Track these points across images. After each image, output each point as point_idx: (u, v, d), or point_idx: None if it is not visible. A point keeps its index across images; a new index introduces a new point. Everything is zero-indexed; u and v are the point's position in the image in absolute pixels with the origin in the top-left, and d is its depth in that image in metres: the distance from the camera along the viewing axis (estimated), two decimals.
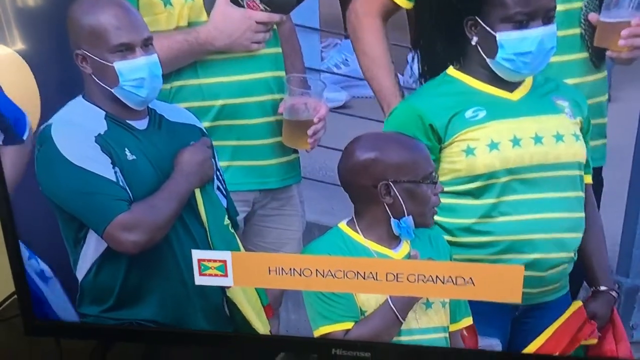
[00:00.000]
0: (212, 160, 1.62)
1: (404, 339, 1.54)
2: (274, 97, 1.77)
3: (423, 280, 1.44)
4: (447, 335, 1.57)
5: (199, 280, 1.49)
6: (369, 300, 1.52)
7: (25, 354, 1.79)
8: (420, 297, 1.57)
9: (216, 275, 1.46)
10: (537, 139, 1.58)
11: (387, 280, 1.45)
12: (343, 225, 1.55)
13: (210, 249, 1.59)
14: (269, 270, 1.40)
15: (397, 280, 1.46)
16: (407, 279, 1.45)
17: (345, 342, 1.49)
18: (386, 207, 1.50)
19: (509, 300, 1.47)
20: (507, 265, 1.46)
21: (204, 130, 1.65)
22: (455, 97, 1.61)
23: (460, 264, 1.49)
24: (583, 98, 1.64)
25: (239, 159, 1.78)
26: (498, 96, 1.61)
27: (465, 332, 1.63)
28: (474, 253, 1.58)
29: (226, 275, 1.45)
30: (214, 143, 1.71)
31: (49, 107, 1.63)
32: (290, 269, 1.41)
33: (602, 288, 1.69)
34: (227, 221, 1.65)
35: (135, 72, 1.52)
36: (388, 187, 1.51)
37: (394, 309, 1.50)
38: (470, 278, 1.43)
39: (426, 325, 1.54)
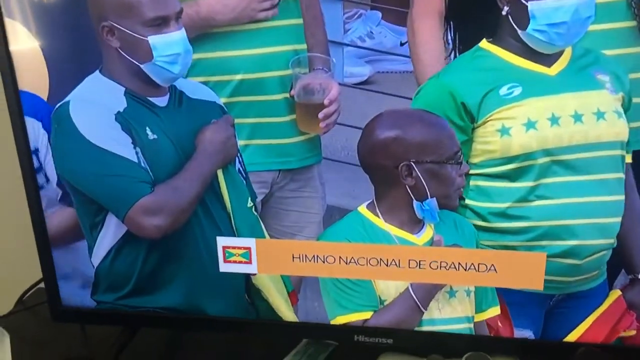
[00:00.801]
0: (235, 139, 1.60)
1: (426, 329, 1.54)
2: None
3: (445, 268, 1.44)
4: (471, 325, 1.55)
5: (224, 267, 1.50)
6: (389, 289, 1.50)
7: (52, 341, 1.81)
8: (442, 285, 1.54)
9: (240, 262, 1.47)
10: (577, 117, 1.54)
11: (409, 267, 1.45)
12: (363, 209, 1.53)
13: (233, 233, 1.58)
14: (293, 257, 1.42)
15: (419, 267, 1.45)
16: (430, 266, 1.45)
17: (366, 328, 1.49)
18: (408, 189, 1.48)
19: (531, 287, 1.47)
20: (530, 253, 1.45)
21: (224, 108, 1.62)
22: (488, 73, 1.57)
23: (481, 251, 1.48)
24: (624, 71, 1.59)
25: (257, 137, 1.74)
26: (534, 71, 1.57)
27: (499, 323, 1.61)
28: (508, 239, 1.56)
29: (250, 262, 1.46)
30: None
31: (60, 84, 1.60)
32: (314, 256, 1.42)
33: None
34: (250, 203, 1.64)
35: (171, 47, 1.49)
36: (410, 167, 1.48)
37: (414, 297, 1.49)
38: (493, 265, 1.42)
39: (449, 315, 1.53)
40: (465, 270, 1.44)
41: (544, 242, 1.54)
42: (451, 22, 1.63)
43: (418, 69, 1.65)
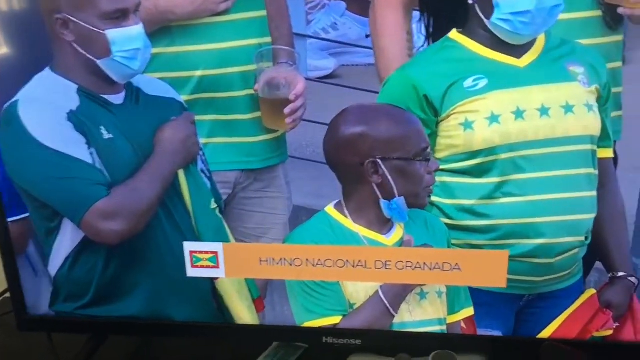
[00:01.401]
0: (196, 137, 1.57)
1: (371, 329, 1.50)
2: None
3: (411, 268, 1.44)
4: (444, 327, 1.53)
5: (191, 272, 1.49)
6: (358, 292, 1.48)
7: (19, 351, 1.80)
8: (412, 287, 1.52)
9: (208, 266, 1.47)
10: (543, 111, 1.51)
11: (376, 268, 1.45)
12: (330, 209, 1.51)
13: (196, 236, 1.56)
14: (260, 261, 1.43)
15: (385, 268, 1.45)
16: (396, 266, 1.44)
17: (335, 330, 1.49)
18: (375, 187, 1.45)
19: (494, 285, 1.47)
20: (492, 251, 1.45)
21: (185, 105, 1.60)
22: (454, 65, 1.54)
23: (445, 250, 1.48)
24: (602, 62, 1.57)
25: (218, 135, 1.72)
26: (503, 62, 1.54)
27: (463, 324, 1.59)
28: (474, 238, 1.55)
29: (218, 267, 1.47)
30: None
31: (6, 82, 1.55)
32: (281, 259, 1.43)
33: (621, 274, 1.64)
34: (213, 205, 1.62)
35: (130, 42, 1.46)
36: (376, 164, 1.45)
37: (384, 300, 1.47)
38: (457, 264, 1.42)
39: (421, 318, 1.51)
40: (431, 269, 1.44)
41: (510, 241, 1.52)
42: (425, 13, 1.62)
43: (380, 61, 1.63)
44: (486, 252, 1.47)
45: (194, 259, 1.48)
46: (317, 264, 1.43)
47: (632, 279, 1.64)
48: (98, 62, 1.47)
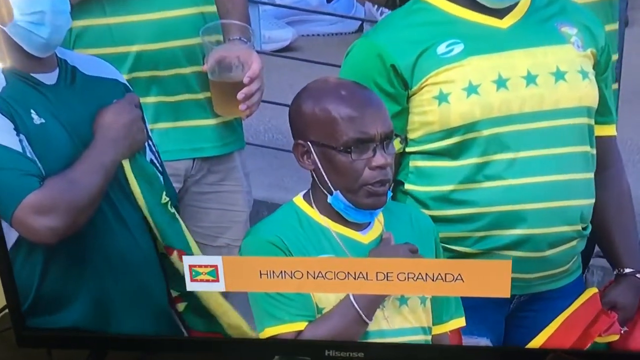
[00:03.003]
0: (143, 122, 1.53)
1: (374, 342, 1.46)
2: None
3: (413, 279, 1.41)
4: (429, 338, 1.48)
5: (191, 286, 1.51)
6: (328, 296, 1.44)
7: None
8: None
9: (208, 280, 1.49)
10: (530, 79, 1.45)
11: (377, 280, 1.42)
12: (299, 200, 1.46)
13: (147, 235, 1.54)
14: (260, 274, 1.45)
15: (387, 280, 1.42)
16: (397, 278, 1.42)
17: (338, 343, 1.47)
18: (313, 175, 1.42)
19: (498, 295, 1.42)
20: (495, 260, 1.46)
21: (129, 86, 1.58)
22: (425, 28, 1.48)
23: (447, 261, 1.49)
24: (598, 23, 1.51)
25: (164, 120, 1.67)
26: (481, 24, 1.48)
27: (449, 332, 1.53)
28: (454, 230, 1.50)
29: (218, 280, 1.48)
30: None
31: None
32: (282, 272, 1.44)
33: (628, 270, 1.58)
34: (165, 199, 1.57)
35: (32, 3, 1.42)
36: (305, 147, 1.40)
37: (356, 306, 1.41)
38: (459, 275, 1.40)
39: (400, 326, 1.46)
40: (434, 280, 1.41)
41: (495, 232, 1.48)
42: None
43: None
44: (489, 262, 1.46)
45: (194, 273, 1.49)
46: (317, 277, 1.43)
47: None
48: (4, 29, 1.42)
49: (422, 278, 1.40)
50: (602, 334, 1.55)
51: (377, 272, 1.40)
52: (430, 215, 1.50)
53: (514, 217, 1.46)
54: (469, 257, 1.50)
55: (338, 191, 1.40)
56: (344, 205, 1.40)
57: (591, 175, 1.51)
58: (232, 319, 1.62)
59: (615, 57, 1.54)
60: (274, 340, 1.48)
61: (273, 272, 1.43)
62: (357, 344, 1.47)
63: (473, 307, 1.51)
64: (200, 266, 1.48)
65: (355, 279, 1.41)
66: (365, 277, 1.41)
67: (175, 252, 1.57)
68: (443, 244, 1.49)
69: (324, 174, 1.39)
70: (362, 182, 1.38)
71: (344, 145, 1.37)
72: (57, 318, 1.55)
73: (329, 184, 1.40)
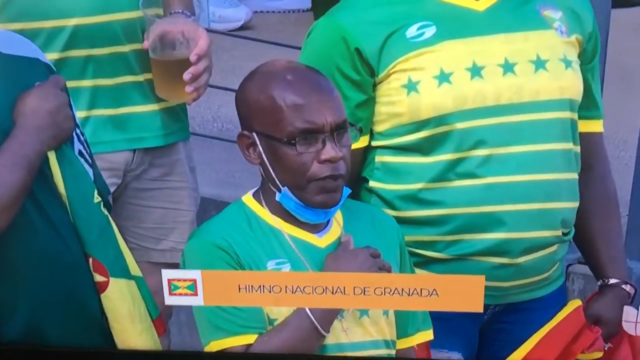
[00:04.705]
0: (70, 109, 1.49)
1: (331, 356, 1.46)
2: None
3: (390, 293, 1.37)
4: (393, 352, 1.48)
5: (169, 300, 1.47)
6: (280, 307, 1.43)
7: None
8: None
9: (186, 294, 1.48)
10: (508, 67, 1.45)
11: (354, 294, 1.38)
12: (248, 198, 1.46)
13: (74, 236, 1.49)
14: (239, 288, 1.43)
15: (364, 294, 1.39)
16: (374, 292, 1.38)
17: (291, 357, 1.46)
18: (260, 169, 1.40)
19: (472, 310, 1.39)
20: (469, 276, 1.39)
21: (52, 67, 1.52)
22: (393, 8, 1.46)
23: (422, 276, 1.48)
24: (586, 7, 1.51)
25: (100, 106, 1.64)
26: (456, 5, 1.47)
27: (415, 347, 1.51)
28: (422, 233, 1.49)
29: (196, 294, 1.47)
30: None
31: None
32: (260, 286, 1.42)
33: (612, 281, 1.58)
34: (97, 198, 1.53)
35: None
36: (250, 140, 1.38)
37: (311, 317, 1.40)
38: (435, 290, 1.37)
39: (361, 339, 1.45)
40: (409, 295, 1.37)
41: (466, 236, 1.48)
42: None
43: None
44: (463, 277, 1.41)
45: (172, 287, 1.47)
46: (296, 291, 1.41)
47: (627, 288, 1.58)
48: None
49: (399, 293, 1.38)
50: (584, 350, 1.55)
51: (354, 287, 1.40)
52: (396, 217, 1.50)
53: (488, 219, 1.47)
54: (438, 262, 1.49)
55: (286, 187, 1.38)
56: (294, 203, 1.38)
57: (575, 175, 1.50)
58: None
59: None
60: (220, 354, 1.47)
61: (252, 286, 1.42)
62: (313, 358, 1.47)
63: (444, 317, 1.46)
64: (179, 280, 1.47)
65: (333, 293, 1.39)
66: (343, 292, 1.39)
67: (90, 260, 1.54)
68: (410, 248, 1.48)
69: (270, 168, 1.37)
70: (310, 176, 1.37)
71: (288, 137, 1.36)
72: None
73: (276, 180, 1.38)
